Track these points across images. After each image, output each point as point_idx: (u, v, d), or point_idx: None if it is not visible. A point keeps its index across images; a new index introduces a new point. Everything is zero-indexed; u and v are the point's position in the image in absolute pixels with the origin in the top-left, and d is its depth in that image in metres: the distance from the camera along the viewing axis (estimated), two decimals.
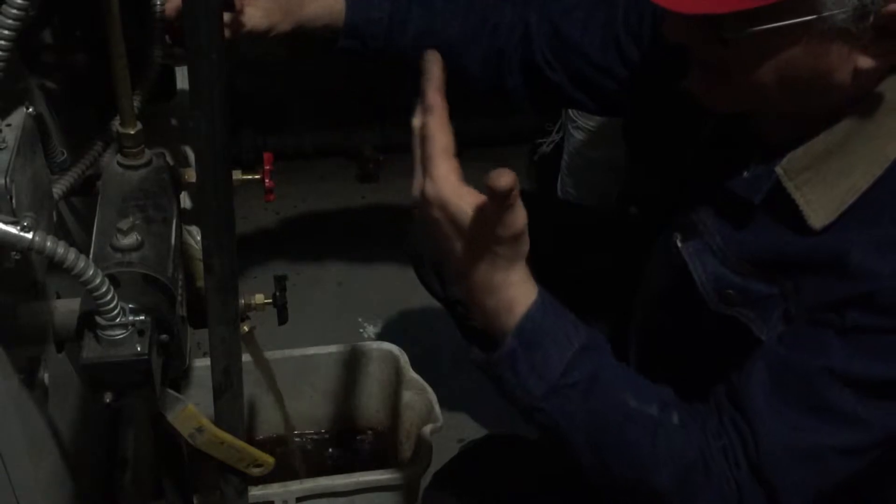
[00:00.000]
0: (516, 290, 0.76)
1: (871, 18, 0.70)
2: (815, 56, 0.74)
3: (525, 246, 0.75)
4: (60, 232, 0.88)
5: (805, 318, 0.80)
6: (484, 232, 0.72)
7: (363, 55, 1.10)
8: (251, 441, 0.98)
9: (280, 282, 0.97)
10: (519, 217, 0.71)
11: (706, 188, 0.89)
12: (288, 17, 1.04)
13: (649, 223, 1.01)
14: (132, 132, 0.83)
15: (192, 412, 0.82)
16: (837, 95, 0.77)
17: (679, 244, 0.90)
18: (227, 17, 0.96)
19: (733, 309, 0.85)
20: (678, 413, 0.81)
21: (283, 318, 0.99)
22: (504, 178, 0.67)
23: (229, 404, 0.85)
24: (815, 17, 0.71)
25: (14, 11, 0.63)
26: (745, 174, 0.85)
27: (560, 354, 0.78)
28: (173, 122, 1.14)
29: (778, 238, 0.82)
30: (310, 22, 1.06)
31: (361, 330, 1.82)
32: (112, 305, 0.67)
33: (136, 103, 0.84)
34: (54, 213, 0.82)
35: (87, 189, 0.88)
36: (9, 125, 0.71)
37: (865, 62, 0.74)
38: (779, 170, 0.80)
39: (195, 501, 1.16)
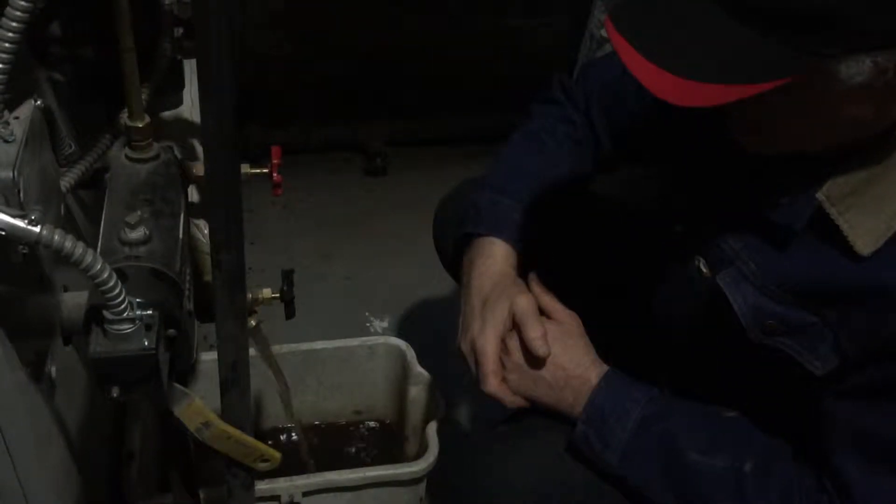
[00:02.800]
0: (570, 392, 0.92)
1: (892, 73, 0.67)
2: (840, 111, 0.72)
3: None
4: (68, 225, 0.87)
5: (865, 368, 0.78)
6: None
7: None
8: (257, 435, 0.97)
9: (287, 276, 0.97)
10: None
11: (733, 212, 0.87)
12: None
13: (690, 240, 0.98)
14: (140, 125, 0.83)
15: (199, 407, 0.82)
16: (878, 129, 0.75)
17: (704, 269, 0.89)
18: None
19: (774, 339, 0.84)
20: (753, 462, 0.84)
21: (290, 313, 0.99)
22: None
23: (236, 399, 0.85)
24: (831, 87, 0.68)
25: (23, 4, 0.63)
26: (782, 200, 0.82)
27: (622, 428, 0.89)
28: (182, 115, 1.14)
29: (820, 265, 0.79)
30: None
31: (368, 324, 1.82)
32: (120, 300, 0.67)
33: (144, 96, 0.84)
34: (62, 207, 0.82)
35: (95, 182, 0.88)
36: (17, 118, 0.71)
37: None
38: (820, 196, 0.78)
39: (201, 495, 1.16)
